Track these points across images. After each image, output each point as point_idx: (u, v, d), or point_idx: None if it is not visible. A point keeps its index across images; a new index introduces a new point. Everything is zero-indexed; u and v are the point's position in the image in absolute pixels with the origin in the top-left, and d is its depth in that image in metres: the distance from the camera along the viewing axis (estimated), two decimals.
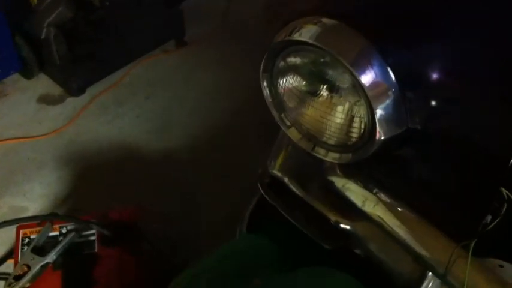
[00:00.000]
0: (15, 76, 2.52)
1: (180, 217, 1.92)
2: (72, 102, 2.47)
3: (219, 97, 2.44)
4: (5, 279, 1.58)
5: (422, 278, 1.02)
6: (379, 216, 1.06)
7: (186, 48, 2.77)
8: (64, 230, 1.53)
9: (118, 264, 1.48)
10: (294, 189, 1.20)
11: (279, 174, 1.23)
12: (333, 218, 1.14)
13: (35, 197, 2.03)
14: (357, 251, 1.16)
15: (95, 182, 2.08)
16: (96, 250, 1.51)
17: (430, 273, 1.00)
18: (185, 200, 1.98)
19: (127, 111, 2.42)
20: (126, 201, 1.86)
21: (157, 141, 2.25)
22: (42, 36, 2.31)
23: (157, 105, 2.45)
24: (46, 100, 2.49)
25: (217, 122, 2.32)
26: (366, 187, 1.09)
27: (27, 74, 2.54)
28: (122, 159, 2.18)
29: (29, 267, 1.46)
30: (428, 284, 1.01)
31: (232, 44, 2.71)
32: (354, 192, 1.10)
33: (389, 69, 0.90)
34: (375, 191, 1.07)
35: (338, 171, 1.12)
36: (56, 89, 2.52)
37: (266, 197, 1.28)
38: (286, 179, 1.22)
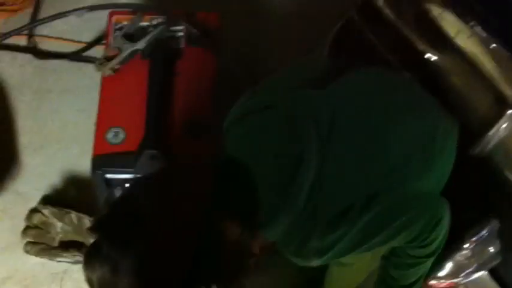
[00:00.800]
0: None
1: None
2: None
3: None
4: (92, 62, 1.70)
5: (500, 115, 1.03)
6: (470, 49, 1.05)
7: None
8: (154, 22, 1.59)
9: (201, 61, 1.55)
10: (387, 11, 1.19)
11: None
12: (421, 46, 1.14)
13: None
14: (436, 82, 1.17)
15: None
16: (182, 46, 1.58)
17: (509, 111, 1.01)
18: None
19: None
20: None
21: None
22: None
23: None
24: None
25: None
26: (463, 19, 1.07)
27: None
28: None
29: (120, 50, 1.55)
30: (505, 122, 1.03)
31: None
32: (449, 22, 1.09)
33: None
34: (471, 23, 1.06)
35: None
36: None
37: (356, 18, 1.28)
38: (380, 1, 1.21)
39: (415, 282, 1.08)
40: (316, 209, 0.92)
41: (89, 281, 0.86)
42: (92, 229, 0.91)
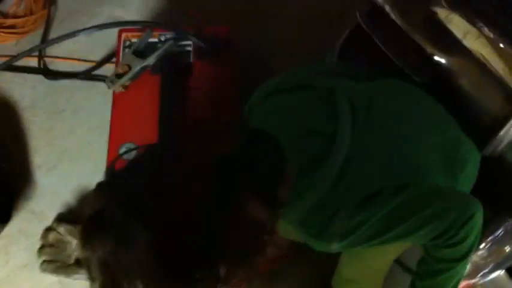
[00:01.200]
0: None
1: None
2: None
3: None
4: (103, 80, 1.72)
5: (510, 115, 1.04)
6: (478, 51, 1.06)
7: None
8: (163, 38, 1.62)
9: (211, 75, 1.57)
10: (394, 17, 1.20)
11: (380, 1, 1.22)
12: (429, 49, 1.14)
13: (133, 8, 2.09)
14: (446, 85, 1.17)
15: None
16: (191, 60, 1.60)
17: None
18: None
19: None
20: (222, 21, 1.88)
21: None
22: None
23: None
24: None
25: None
26: (470, 20, 1.07)
27: None
28: None
29: (129, 67, 1.57)
30: None
31: None
32: (457, 25, 1.09)
33: None
34: (479, 25, 1.06)
35: (443, 2, 1.11)
36: None
37: (363, 25, 1.29)
38: (387, 7, 1.22)
39: None
40: (344, 190, 0.91)
41: (86, 259, 0.79)
42: (99, 194, 0.83)
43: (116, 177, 0.86)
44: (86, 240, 0.79)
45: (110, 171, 0.92)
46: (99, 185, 0.85)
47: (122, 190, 0.82)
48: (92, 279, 0.80)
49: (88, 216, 0.80)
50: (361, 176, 0.93)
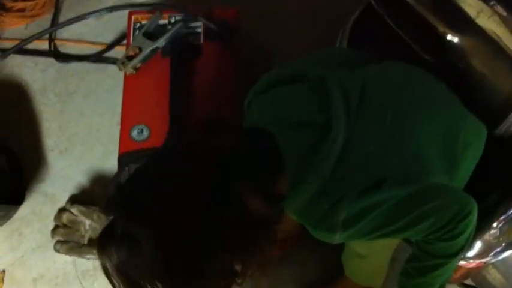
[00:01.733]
0: None
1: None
2: None
3: None
4: (113, 63, 1.73)
5: None
6: (491, 30, 1.05)
7: None
8: (173, 20, 1.61)
9: (219, 58, 1.57)
10: None
11: None
12: (441, 28, 1.13)
13: None
14: (458, 65, 1.16)
15: None
16: (201, 42, 1.59)
17: None
18: None
19: None
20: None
21: None
22: None
23: None
24: None
25: None
26: None
27: None
28: None
29: (140, 49, 1.57)
30: None
31: None
32: (469, 3, 1.08)
33: None
34: (492, 3, 1.05)
35: None
36: None
37: (374, 4, 1.28)
38: None
39: None
40: (344, 180, 0.91)
41: (105, 268, 0.82)
42: (106, 209, 0.86)
43: (121, 189, 0.88)
44: (101, 250, 0.83)
45: (116, 183, 0.94)
46: (107, 201, 0.87)
47: (126, 200, 0.84)
48: (113, 284, 0.84)
49: (101, 231, 0.85)
50: (359, 165, 0.93)
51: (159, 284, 0.81)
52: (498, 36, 1.04)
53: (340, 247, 1.36)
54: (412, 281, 1.03)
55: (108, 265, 0.82)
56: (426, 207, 0.92)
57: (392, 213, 0.92)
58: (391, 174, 0.92)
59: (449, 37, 1.13)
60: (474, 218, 0.95)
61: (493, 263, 1.13)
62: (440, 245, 0.96)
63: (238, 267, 0.87)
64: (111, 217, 0.84)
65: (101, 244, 0.83)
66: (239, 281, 0.88)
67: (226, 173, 0.85)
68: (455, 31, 1.12)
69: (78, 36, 1.96)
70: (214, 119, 1.31)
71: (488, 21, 1.05)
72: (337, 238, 0.96)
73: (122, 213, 0.83)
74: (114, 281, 0.83)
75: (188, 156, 0.87)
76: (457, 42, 1.13)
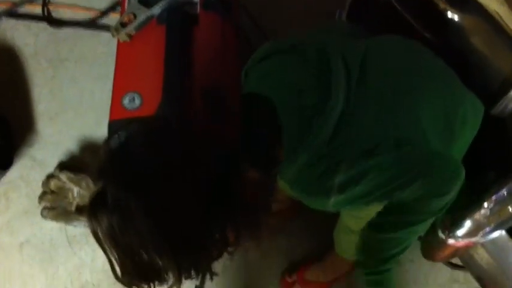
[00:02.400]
0: None
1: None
2: None
3: None
4: (107, 29, 1.70)
5: None
6: (493, 9, 1.04)
7: None
8: None
9: (217, 27, 1.54)
10: None
11: None
12: (442, 5, 1.12)
13: None
14: (458, 43, 1.15)
15: None
16: (198, 11, 1.56)
17: None
18: None
19: None
20: None
21: None
22: None
23: None
24: None
25: None
26: None
27: None
28: None
29: (135, 16, 1.54)
30: None
31: None
32: None
33: None
34: None
35: None
36: None
37: None
38: None
39: (393, 256, 1.07)
40: (342, 145, 0.91)
41: (95, 234, 0.81)
42: (97, 176, 0.85)
43: (113, 157, 0.87)
44: (93, 217, 0.81)
45: (107, 150, 0.92)
46: (99, 170, 0.85)
47: (117, 168, 0.83)
48: (104, 250, 0.82)
49: (92, 196, 0.82)
50: (359, 130, 0.93)
51: (150, 251, 0.81)
52: (499, 16, 1.03)
53: (333, 224, 1.36)
54: (380, 235, 1.05)
55: (99, 231, 0.81)
56: (421, 168, 0.93)
57: (388, 175, 0.92)
58: (389, 139, 0.92)
59: (449, 14, 1.12)
60: (460, 183, 0.97)
61: (482, 243, 1.13)
62: (427, 201, 0.97)
63: (230, 237, 0.87)
64: (101, 184, 0.82)
65: (92, 211, 0.81)
66: (231, 250, 0.87)
67: (225, 155, 0.84)
68: (456, 8, 1.11)
69: (73, 1, 1.92)
70: (210, 89, 1.31)
71: (490, 0, 1.04)
72: (331, 203, 0.96)
73: (113, 181, 0.81)
74: (106, 247, 0.82)
75: (182, 130, 0.87)
76: (458, 20, 1.12)
